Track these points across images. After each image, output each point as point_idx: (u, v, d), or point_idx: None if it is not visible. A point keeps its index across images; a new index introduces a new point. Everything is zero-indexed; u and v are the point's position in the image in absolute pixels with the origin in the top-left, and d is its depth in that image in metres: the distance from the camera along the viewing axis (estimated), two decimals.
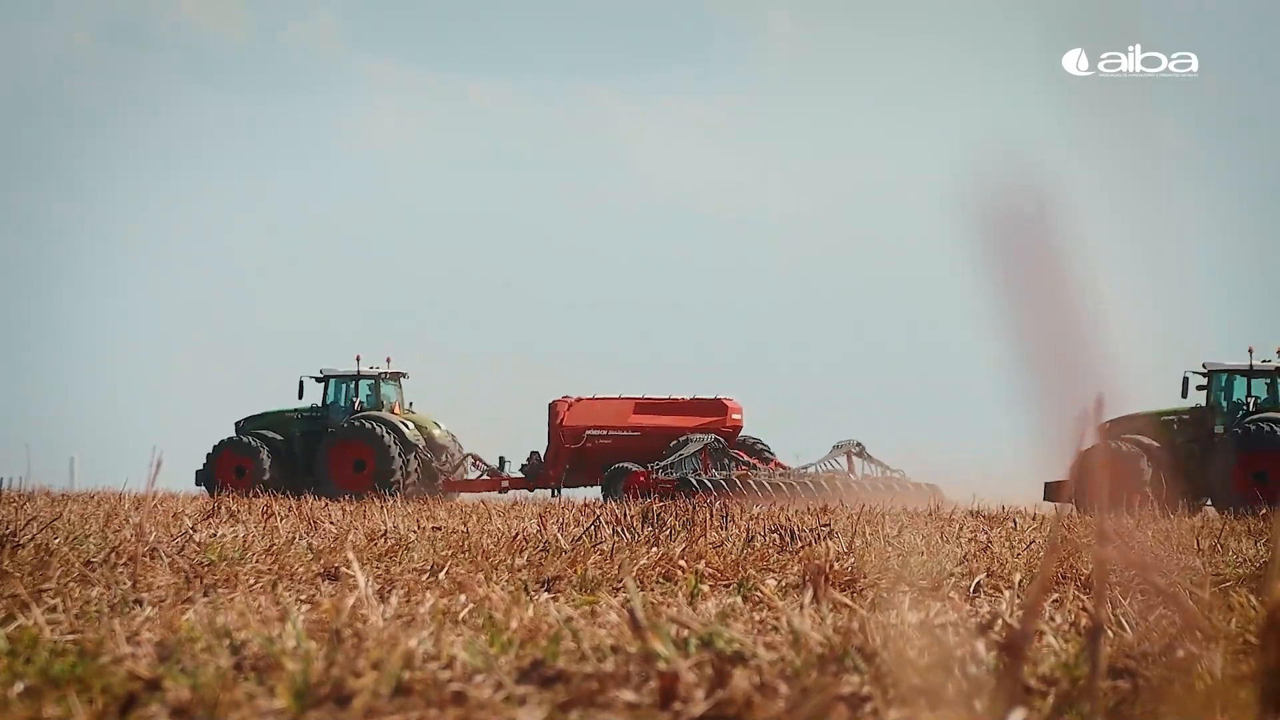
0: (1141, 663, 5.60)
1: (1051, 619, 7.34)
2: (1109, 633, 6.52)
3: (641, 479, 44.24)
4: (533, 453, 48.16)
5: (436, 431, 48.16)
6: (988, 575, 10.10)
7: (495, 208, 74.93)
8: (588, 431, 47.47)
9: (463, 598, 7.68)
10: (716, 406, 47.58)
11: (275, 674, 5.44)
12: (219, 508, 19.31)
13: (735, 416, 47.67)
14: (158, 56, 75.81)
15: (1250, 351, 42.40)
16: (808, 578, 8.45)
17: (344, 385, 48.42)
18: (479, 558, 11.09)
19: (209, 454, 48.29)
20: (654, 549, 11.65)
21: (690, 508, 16.95)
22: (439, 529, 15.33)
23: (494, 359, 59.27)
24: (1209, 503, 38.96)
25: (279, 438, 48.23)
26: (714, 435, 46.11)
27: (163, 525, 15.10)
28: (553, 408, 48.08)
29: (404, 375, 48.87)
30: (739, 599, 8.51)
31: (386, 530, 14.37)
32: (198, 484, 47.00)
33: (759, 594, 8.53)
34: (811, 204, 74.88)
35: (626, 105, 78.88)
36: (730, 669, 5.32)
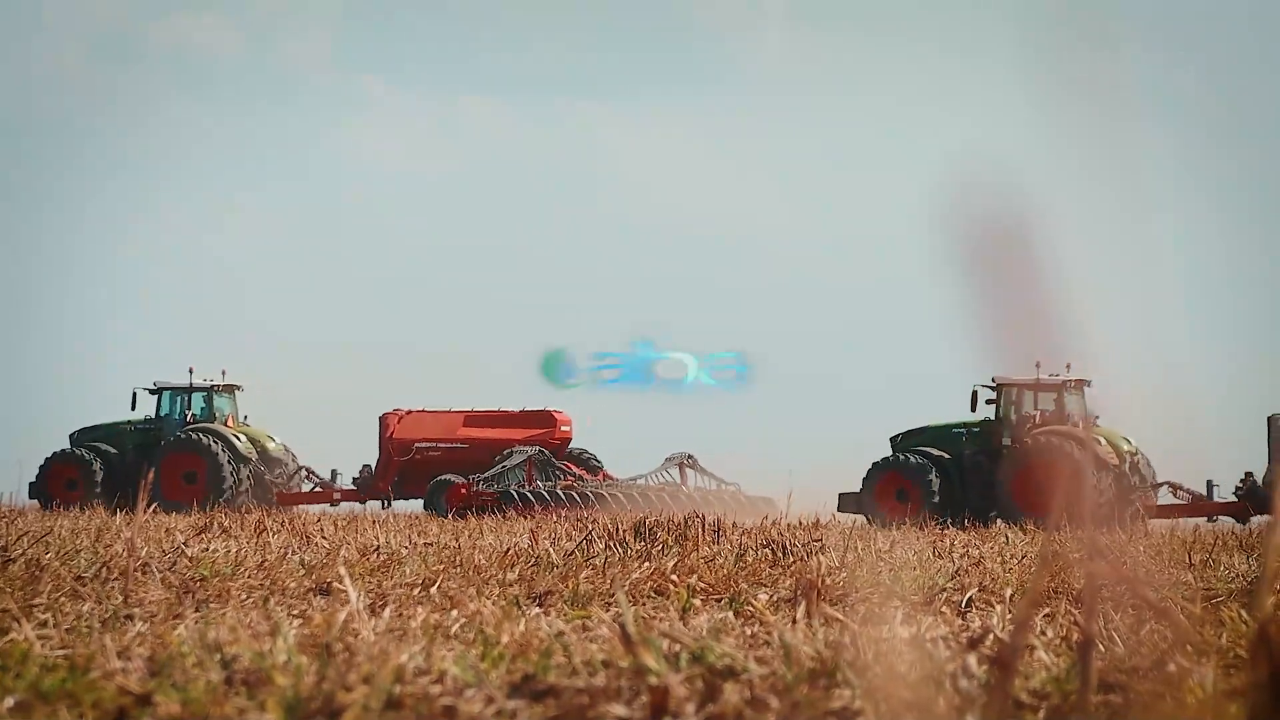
0: (1132, 677, 5.60)
1: (1043, 633, 7.34)
2: (1100, 647, 6.52)
3: (463, 491, 44.30)
4: (364, 465, 48.47)
5: (270, 444, 48.28)
6: (979, 590, 10.10)
7: (480, 223, 74.99)
8: (417, 444, 47.83)
9: (454, 612, 7.68)
10: (545, 418, 47.89)
11: (266, 689, 5.44)
12: (211, 523, 19.30)
13: (564, 428, 47.99)
14: (148, 73, 75.84)
15: (1038, 365, 42.69)
16: (800, 592, 8.45)
17: (177, 397, 48.53)
18: (470, 572, 11.08)
19: (40, 466, 48.22)
20: (646, 563, 11.65)
21: (684, 523, 16.93)
22: (431, 544, 15.32)
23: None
24: (997, 515, 39.08)
25: (112, 450, 48.25)
26: (539, 447, 46.22)
27: (154, 540, 15.09)
28: (383, 420, 48.52)
29: (238, 388, 49.00)
30: (731, 613, 8.50)
31: (379, 545, 14.36)
32: (31, 497, 46.79)
33: (751, 608, 8.53)
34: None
35: (616, 120, 78.94)
36: (721, 683, 5.32)
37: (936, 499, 41.58)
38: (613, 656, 5.96)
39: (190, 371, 48.55)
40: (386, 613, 7.65)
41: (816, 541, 15.61)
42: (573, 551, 13.32)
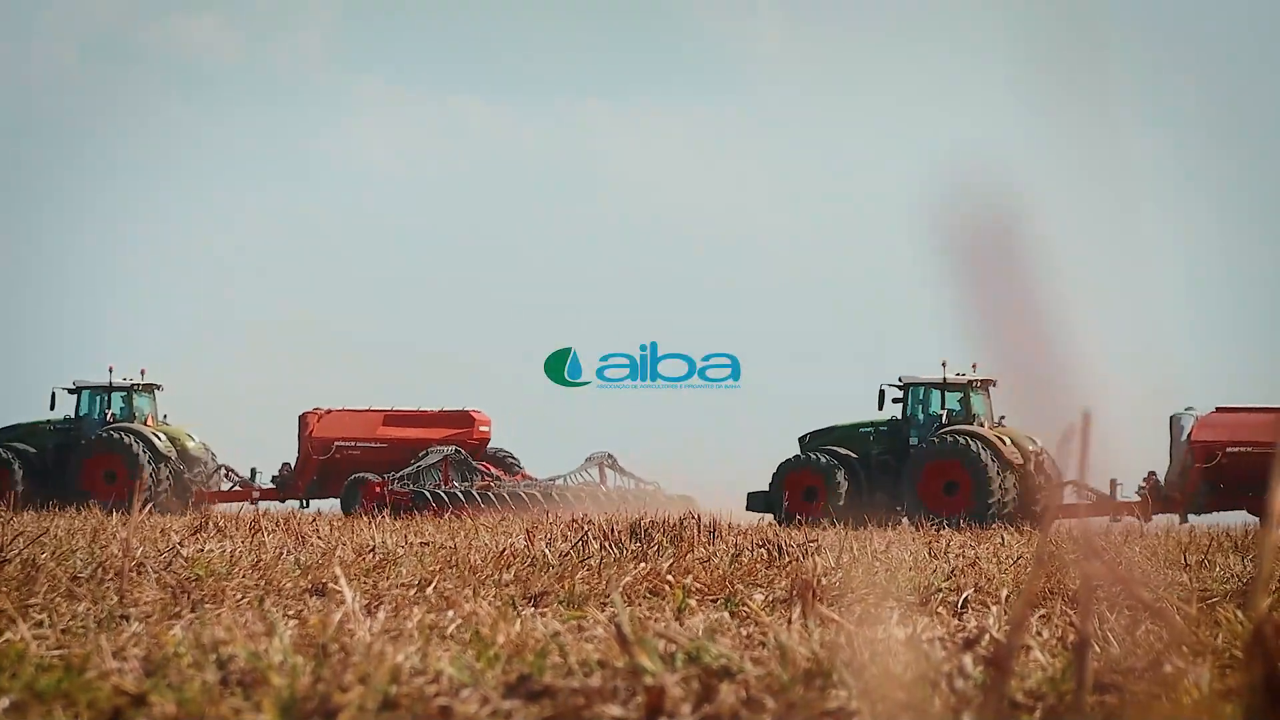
0: (1128, 678, 5.60)
1: (1038, 634, 7.34)
2: (1096, 648, 6.52)
3: (377, 489, 44.36)
4: (284, 464, 48.56)
5: (190, 443, 48.36)
6: (975, 590, 10.11)
7: (477, 223, 75.04)
8: (336, 443, 47.96)
9: (450, 613, 7.68)
10: (464, 418, 48.02)
11: (262, 689, 5.44)
12: (206, 523, 19.30)
13: (483, 428, 48.11)
14: (144, 73, 75.82)
15: (944, 365, 43.16)
16: (795, 593, 8.45)
17: (97, 397, 48.56)
18: (466, 573, 11.08)
19: None
20: (641, 564, 11.65)
21: (679, 523, 16.94)
22: (427, 544, 15.32)
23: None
24: (903, 514, 39.19)
25: (32, 450, 48.25)
26: (455, 447, 46.31)
27: (150, 540, 15.09)
28: (303, 419, 48.65)
29: (158, 387, 49.06)
30: (726, 614, 8.51)
31: (374, 545, 14.36)
32: None
33: (746, 609, 8.53)
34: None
35: (613, 120, 78.98)
36: (717, 684, 5.32)
37: (843, 498, 41.77)
38: (608, 657, 5.96)
39: (110, 371, 48.67)
40: (382, 613, 7.65)
41: (812, 542, 15.62)
42: (568, 552, 13.32)
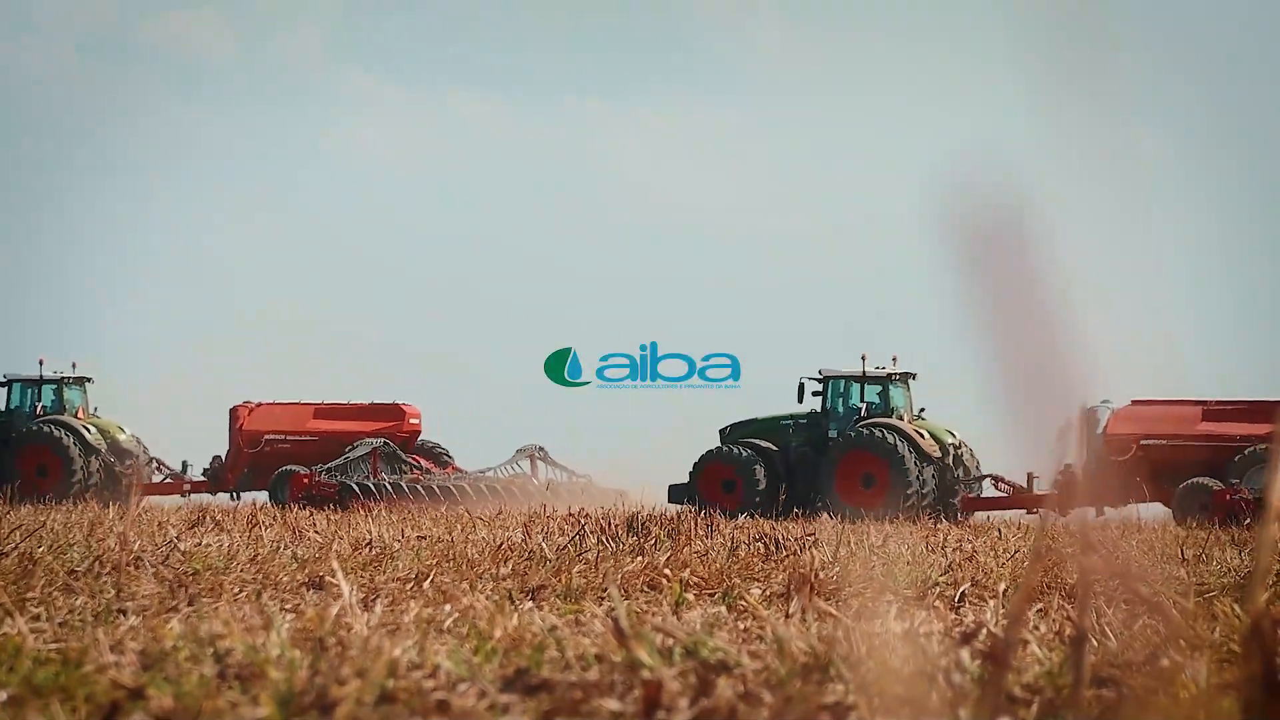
0: (1125, 672, 5.60)
1: (1036, 628, 7.34)
2: (1093, 642, 6.52)
3: (305, 481, 44.43)
4: (215, 457, 48.69)
5: (121, 436, 48.42)
6: (972, 584, 10.11)
7: (474, 221, 75.05)
8: (266, 436, 48.08)
9: (447, 607, 7.68)
10: (393, 411, 48.15)
11: (259, 683, 5.44)
12: (204, 517, 19.30)
13: (413, 421, 48.24)
14: (140, 70, 75.77)
15: (863, 358, 43.23)
16: (792, 587, 8.45)
17: (27, 390, 48.58)
18: (464, 567, 11.08)
19: None
20: (639, 558, 11.65)
21: (676, 517, 16.94)
22: (424, 538, 15.32)
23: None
24: (822, 507, 39.28)
25: None
26: (384, 439, 46.42)
27: (147, 534, 15.09)
28: (233, 412, 48.76)
29: (89, 380, 49.11)
30: (724, 608, 8.51)
31: (371, 539, 14.36)
32: None
33: (744, 603, 8.53)
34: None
35: (611, 118, 78.96)
36: (714, 678, 5.32)
37: (762, 490, 41.88)
38: (606, 651, 5.96)
39: (40, 364, 48.70)
40: (379, 607, 7.65)
41: (809, 536, 15.63)
42: (566, 546, 13.32)
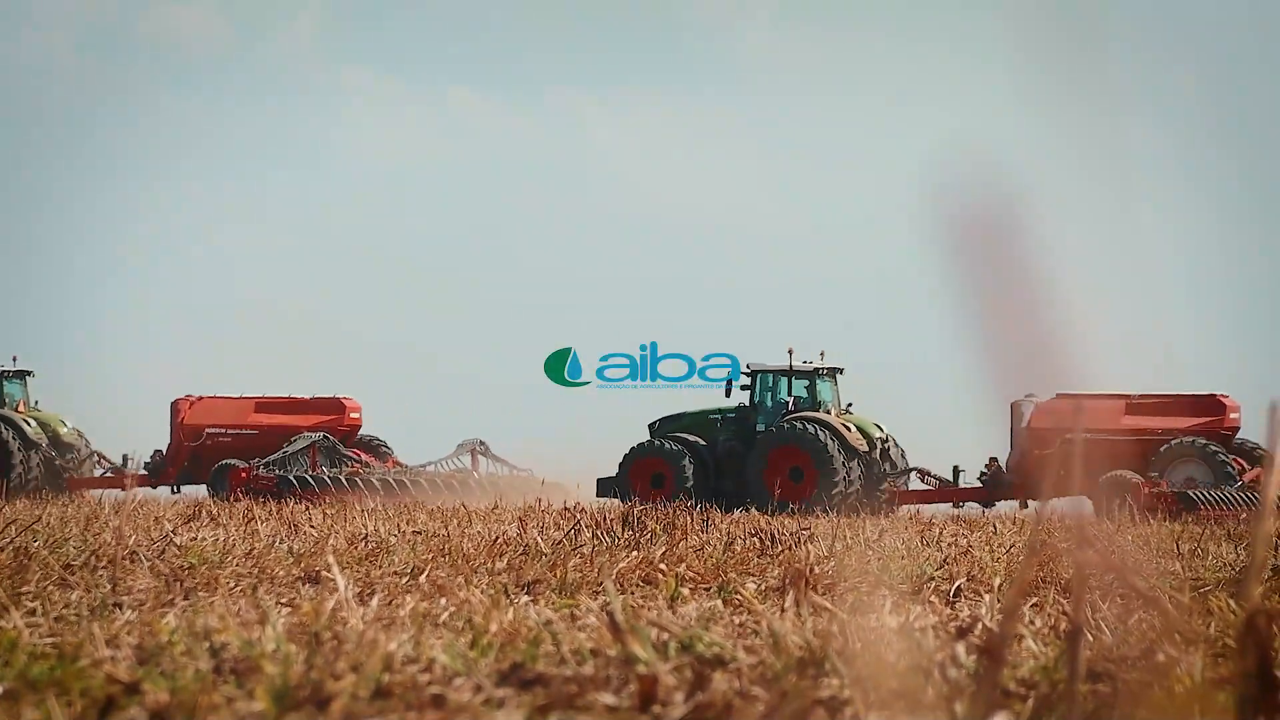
0: (1121, 666, 5.60)
1: (1031, 623, 7.34)
2: (1088, 636, 6.53)
3: (244, 475, 44.43)
4: (156, 450, 48.70)
5: (63, 429, 48.37)
6: (968, 579, 10.11)
7: (470, 215, 75.05)
8: (207, 429, 48.13)
9: (443, 601, 7.68)
10: (334, 405, 48.26)
11: (254, 677, 5.43)
12: (199, 511, 19.28)
13: (354, 415, 48.38)
14: (137, 64, 75.72)
15: (790, 353, 43.44)
16: (788, 581, 8.45)
17: None
18: (459, 561, 11.08)
19: None
20: (634, 553, 11.65)
21: (671, 512, 16.94)
22: (420, 533, 15.32)
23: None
24: (750, 500, 39.36)
25: None
26: (323, 433, 46.47)
27: (143, 529, 15.08)
28: (174, 406, 48.85)
29: (29, 374, 49.04)
30: (719, 603, 8.51)
31: (367, 534, 14.36)
32: None
33: (739, 598, 8.53)
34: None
35: (605, 112, 78.91)
36: (710, 672, 5.32)
37: (690, 484, 41.95)
38: (601, 645, 5.96)
39: None
40: (375, 601, 7.65)
41: (805, 531, 15.63)
42: (561, 540, 13.32)
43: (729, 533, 15.03)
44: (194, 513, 19.01)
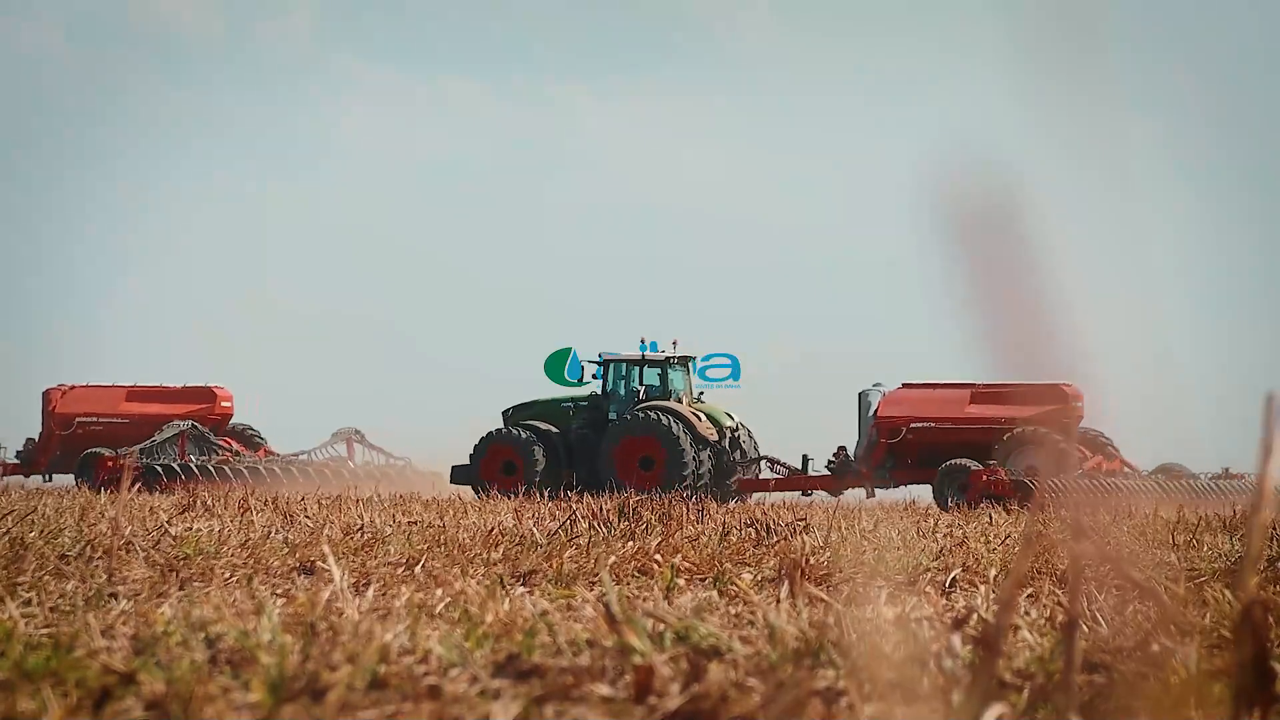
0: (1116, 657, 5.61)
1: (1027, 614, 7.35)
2: (1084, 627, 6.53)
3: (110, 464, 44.43)
4: (28, 439, 48.75)
5: None
6: (963, 570, 10.11)
7: (466, 210, 75.02)
8: (78, 418, 48.17)
9: (439, 592, 7.68)
10: (205, 394, 48.34)
11: (250, 667, 5.43)
12: (194, 502, 19.29)
13: (225, 404, 48.53)
14: (129, 54, 75.65)
15: (643, 341, 43.75)
16: (784, 572, 8.45)
17: None
18: (455, 552, 11.08)
19: None
20: (630, 543, 11.66)
21: (666, 502, 16.94)
22: (415, 523, 15.32)
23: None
24: (600, 488, 39.48)
25: None
26: (192, 422, 46.50)
27: (138, 519, 15.08)
28: (46, 395, 48.96)
29: None
30: (715, 593, 8.51)
31: (362, 525, 14.36)
32: None
33: (735, 588, 8.53)
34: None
35: (599, 104, 78.86)
36: (705, 663, 5.32)
37: (541, 472, 42.04)
38: (597, 636, 5.96)
39: None
40: (370, 592, 7.65)
41: (800, 521, 15.64)
42: (557, 531, 13.32)
43: (725, 524, 15.03)
44: (189, 503, 19.01)
